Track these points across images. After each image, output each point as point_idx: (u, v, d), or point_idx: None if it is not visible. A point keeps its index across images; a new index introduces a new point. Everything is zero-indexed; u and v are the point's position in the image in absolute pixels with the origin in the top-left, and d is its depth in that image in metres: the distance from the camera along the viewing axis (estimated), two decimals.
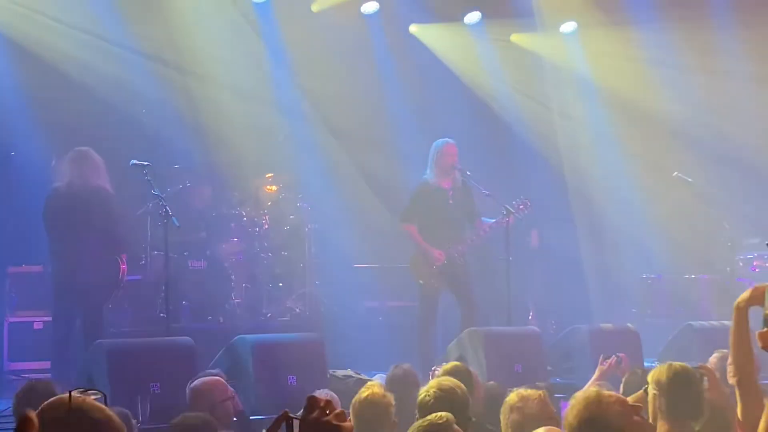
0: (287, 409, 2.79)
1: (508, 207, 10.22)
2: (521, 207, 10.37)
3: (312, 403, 2.80)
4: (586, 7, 14.81)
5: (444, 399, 5.25)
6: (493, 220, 10.36)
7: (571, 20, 15.06)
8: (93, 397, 3.21)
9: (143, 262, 11.86)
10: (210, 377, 7.13)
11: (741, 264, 13.53)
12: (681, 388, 4.87)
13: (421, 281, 10.48)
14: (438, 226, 10.40)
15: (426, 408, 5.16)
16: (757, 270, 13.73)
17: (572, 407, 3.68)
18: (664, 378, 4.89)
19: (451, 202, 10.42)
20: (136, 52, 12.80)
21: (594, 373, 7.98)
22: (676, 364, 5.05)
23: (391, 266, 13.01)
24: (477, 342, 9.46)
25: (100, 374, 7.88)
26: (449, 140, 10.66)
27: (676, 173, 12.04)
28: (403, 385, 6.88)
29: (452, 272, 10.41)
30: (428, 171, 10.54)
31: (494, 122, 14.98)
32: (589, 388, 4.77)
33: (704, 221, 13.16)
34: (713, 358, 7.83)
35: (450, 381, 5.50)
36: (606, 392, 3.74)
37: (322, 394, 6.55)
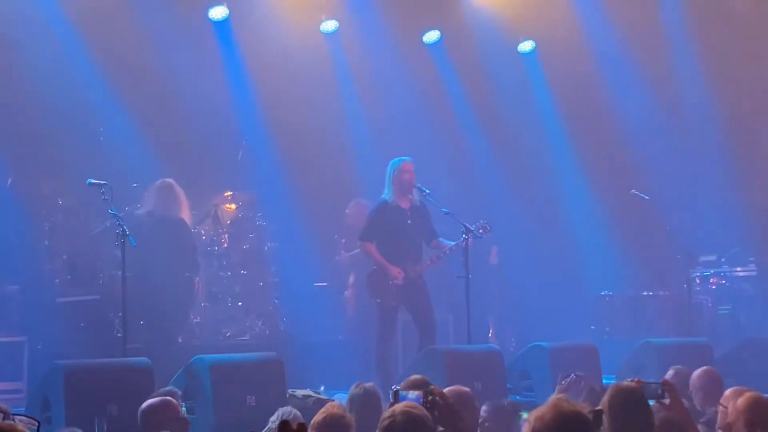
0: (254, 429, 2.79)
1: (467, 225, 10.22)
2: (481, 231, 10.38)
3: (284, 428, 2.77)
4: (544, 26, 14.94)
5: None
6: (453, 243, 10.36)
7: (528, 39, 15.19)
8: (26, 424, 3.17)
9: (101, 281, 11.76)
10: (159, 398, 7.01)
11: (698, 281, 13.65)
12: (623, 407, 4.85)
13: (378, 299, 10.45)
14: (397, 245, 10.40)
15: None
16: (714, 287, 13.88)
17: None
18: (606, 398, 4.91)
19: (409, 221, 10.42)
20: (96, 69, 12.73)
21: (553, 391, 7.99)
22: (619, 384, 5.05)
23: (351, 283, 13.04)
24: (437, 360, 9.44)
25: (57, 395, 7.79)
26: (406, 159, 10.66)
27: (633, 191, 12.12)
28: (364, 405, 6.77)
29: (410, 290, 10.40)
30: (386, 190, 10.52)
31: (455, 140, 15.03)
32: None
33: (661, 239, 13.25)
34: (669, 375, 7.88)
35: (419, 410, 5.37)
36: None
37: (286, 411, 6.50)
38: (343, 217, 13.33)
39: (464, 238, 10.21)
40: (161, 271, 10.59)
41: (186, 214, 11.03)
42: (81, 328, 11.16)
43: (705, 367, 8.05)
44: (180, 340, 11.44)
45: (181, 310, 10.99)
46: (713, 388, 7.55)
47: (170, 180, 10.87)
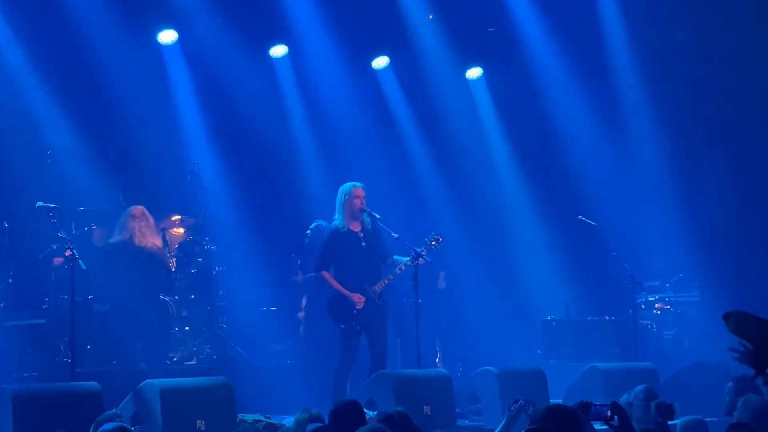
0: None
1: (416, 250, 10.25)
2: (433, 243, 10.38)
3: None
4: (492, 53, 15.13)
5: None
6: (407, 259, 10.35)
7: (476, 65, 15.37)
8: None
9: (46, 305, 11.66)
10: (115, 425, 6.95)
11: (643, 306, 13.82)
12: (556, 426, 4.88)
13: (342, 325, 10.42)
14: (353, 269, 10.38)
15: None
16: (659, 312, 14.06)
17: None
18: (540, 416, 4.92)
19: (363, 244, 10.42)
20: (43, 91, 12.67)
21: (502, 415, 8.03)
22: (550, 405, 5.08)
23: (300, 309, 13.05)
24: (386, 385, 9.46)
25: (5, 420, 7.71)
26: (357, 183, 10.65)
27: (580, 216, 12.26)
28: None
29: (371, 314, 10.39)
30: (337, 215, 10.51)
31: (402, 165, 15.13)
32: None
33: (607, 264, 13.40)
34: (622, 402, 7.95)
35: None
36: None
37: None
38: (298, 239, 13.31)
39: (415, 262, 10.23)
40: (139, 297, 10.61)
41: (158, 239, 11.14)
42: (27, 352, 11.03)
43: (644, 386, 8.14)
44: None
45: (157, 334, 11.05)
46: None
47: (141, 207, 10.88)
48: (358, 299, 10.27)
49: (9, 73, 12.57)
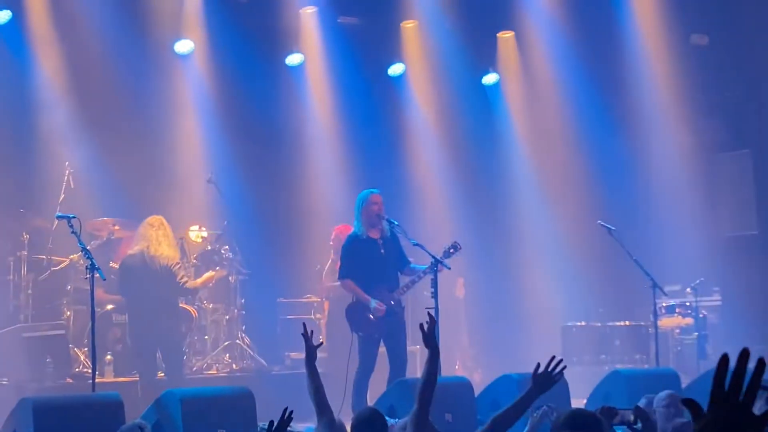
0: None
1: (436, 258, 10.21)
2: (452, 250, 10.34)
3: None
4: (509, 60, 15.12)
5: None
6: (425, 267, 10.32)
7: (493, 72, 15.36)
8: None
9: (66, 316, 11.71)
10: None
11: (663, 311, 13.75)
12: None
13: (360, 333, 10.38)
14: (372, 276, 10.35)
15: None
16: (679, 317, 13.98)
17: None
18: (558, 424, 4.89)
19: (382, 251, 10.38)
20: (62, 101, 12.75)
21: (524, 422, 7.99)
22: (571, 411, 5.06)
23: (318, 318, 13.03)
24: (407, 392, 9.42)
25: (26, 430, 7.70)
26: (373, 190, 10.62)
27: (599, 221, 12.21)
28: None
29: (389, 322, 10.36)
30: (356, 223, 10.50)
31: (420, 171, 15.12)
32: None
33: (627, 269, 13.35)
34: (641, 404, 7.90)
35: None
36: None
37: None
38: (318, 246, 13.29)
39: (434, 269, 10.18)
40: (157, 307, 10.62)
41: (175, 249, 11.11)
42: (47, 363, 11.05)
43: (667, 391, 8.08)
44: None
45: (177, 343, 11.07)
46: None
47: (160, 217, 10.94)
48: (379, 306, 10.24)
49: (28, 85, 12.64)
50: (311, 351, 6.25)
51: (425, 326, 5.73)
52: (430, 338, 5.72)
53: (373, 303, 10.24)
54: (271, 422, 4.74)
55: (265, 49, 14.09)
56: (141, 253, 10.67)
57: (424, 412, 5.72)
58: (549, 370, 5.55)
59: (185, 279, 10.88)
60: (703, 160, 15.22)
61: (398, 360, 10.39)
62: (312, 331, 6.49)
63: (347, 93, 14.68)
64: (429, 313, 5.92)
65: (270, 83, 14.22)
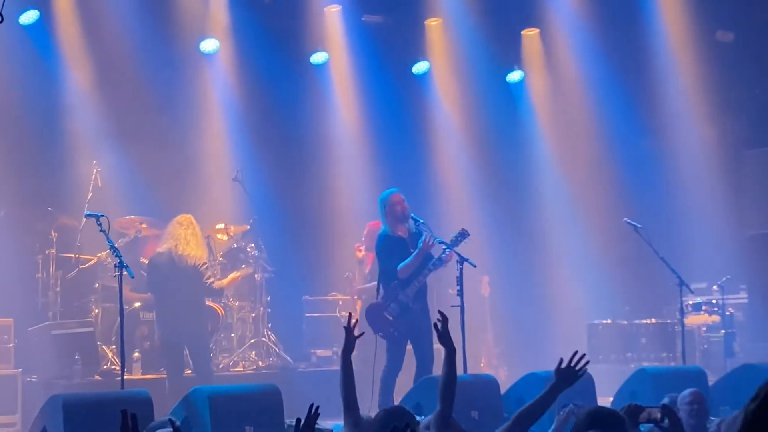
0: None
1: (461, 255, 10.17)
2: (459, 238, 10.25)
3: None
4: (532, 57, 15.10)
5: None
6: (436, 259, 10.23)
7: (518, 69, 15.35)
8: None
9: (94, 313, 11.80)
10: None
11: (690, 308, 13.71)
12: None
13: (380, 333, 10.38)
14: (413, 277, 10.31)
15: None
16: (706, 314, 13.92)
17: None
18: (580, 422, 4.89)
19: (411, 250, 10.38)
20: (89, 101, 12.83)
21: (550, 420, 7.99)
22: (592, 408, 5.06)
23: (343, 315, 13.04)
24: (433, 389, 9.40)
25: (56, 427, 7.76)
26: (393, 190, 10.56)
27: (625, 219, 12.18)
28: None
29: (409, 320, 10.34)
30: (383, 227, 10.49)
31: (445, 170, 15.12)
32: None
33: (653, 266, 13.32)
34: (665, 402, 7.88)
35: None
36: None
37: None
38: (343, 244, 13.30)
39: (459, 267, 10.16)
40: (184, 305, 10.66)
41: (203, 248, 11.09)
42: (75, 360, 11.13)
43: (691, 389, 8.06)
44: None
45: (203, 341, 11.08)
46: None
47: (189, 216, 10.95)
48: (428, 240, 10.07)
49: (55, 85, 12.73)
50: (350, 344, 6.13)
51: (439, 325, 5.73)
52: (445, 337, 5.73)
53: (420, 243, 10.16)
54: (298, 420, 4.74)
55: (290, 47, 14.13)
56: (169, 252, 10.71)
57: (447, 410, 5.73)
58: (572, 364, 5.54)
59: (212, 279, 10.91)
60: (729, 157, 15.16)
61: (424, 358, 10.39)
62: (357, 321, 6.40)
63: (371, 91, 14.70)
64: (441, 312, 5.89)
65: (294, 82, 14.26)
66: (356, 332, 6.22)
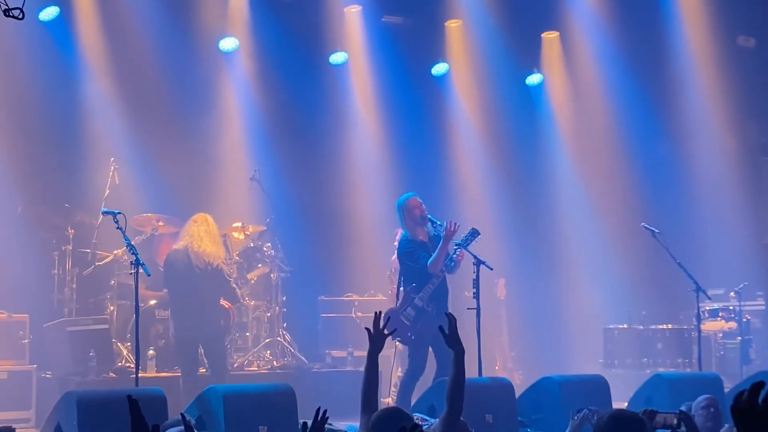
0: None
1: (478, 257, 10.14)
2: (470, 238, 10.19)
3: None
4: (552, 60, 15.07)
5: None
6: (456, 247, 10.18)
7: (537, 72, 15.32)
8: None
9: (109, 311, 11.81)
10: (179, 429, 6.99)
11: (706, 314, 13.64)
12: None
13: (398, 338, 10.34)
14: (425, 278, 10.27)
15: None
16: (723, 321, 13.86)
17: None
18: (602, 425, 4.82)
19: (432, 253, 10.33)
20: (106, 98, 12.86)
21: (565, 425, 7.96)
22: (614, 411, 5.00)
23: (359, 316, 13.03)
24: None
25: (70, 424, 7.77)
26: (410, 194, 10.52)
27: (642, 224, 12.13)
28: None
29: (424, 323, 10.29)
30: (403, 230, 10.47)
31: (462, 172, 15.09)
32: None
33: (670, 272, 13.27)
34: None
35: None
36: None
37: None
38: (361, 244, 13.27)
39: (476, 270, 10.13)
40: (199, 303, 10.65)
41: (219, 246, 11.05)
42: (90, 357, 11.14)
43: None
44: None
45: (218, 339, 11.00)
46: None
47: (205, 214, 10.93)
48: (450, 227, 10.02)
49: (74, 81, 12.76)
50: (379, 343, 5.92)
51: (445, 328, 5.65)
52: (454, 338, 5.66)
53: (442, 231, 10.11)
54: (305, 423, 4.67)
55: (309, 47, 14.13)
56: (185, 249, 10.71)
57: (455, 414, 5.66)
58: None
59: (235, 276, 10.94)
60: (748, 163, 15.10)
61: (443, 361, 10.35)
62: (389, 318, 6.28)
63: (391, 92, 14.68)
64: (448, 315, 5.81)
65: (313, 81, 14.26)
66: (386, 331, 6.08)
